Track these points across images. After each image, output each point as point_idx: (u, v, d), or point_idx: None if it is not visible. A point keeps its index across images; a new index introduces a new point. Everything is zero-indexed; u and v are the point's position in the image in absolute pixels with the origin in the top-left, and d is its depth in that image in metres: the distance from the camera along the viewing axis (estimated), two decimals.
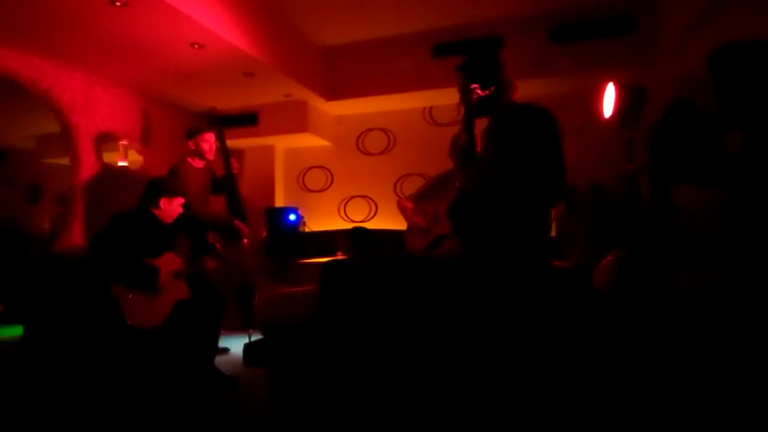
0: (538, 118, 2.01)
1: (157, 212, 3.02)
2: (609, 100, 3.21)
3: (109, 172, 4.57)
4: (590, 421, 1.86)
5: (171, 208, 3.05)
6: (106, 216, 3.03)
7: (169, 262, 2.99)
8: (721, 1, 2.98)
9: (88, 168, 4.37)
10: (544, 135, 1.99)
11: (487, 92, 2.08)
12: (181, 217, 3.13)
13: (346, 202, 5.86)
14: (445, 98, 5.25)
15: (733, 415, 1.66)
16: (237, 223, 3.80)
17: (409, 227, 3.21)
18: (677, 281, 1.94)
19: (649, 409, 1.79)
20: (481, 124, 2.32)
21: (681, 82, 3.77)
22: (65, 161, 4.68)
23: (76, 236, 4.22)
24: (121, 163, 4.80)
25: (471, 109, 2.12)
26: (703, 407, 1.71)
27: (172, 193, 3.04)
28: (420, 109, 5.57)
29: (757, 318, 1.66)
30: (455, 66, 2.21)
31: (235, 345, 4.15)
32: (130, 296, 2.82)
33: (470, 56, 2.20)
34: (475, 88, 2.08)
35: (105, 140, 4.59)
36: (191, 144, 3.66)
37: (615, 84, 3.21)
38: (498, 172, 2.00)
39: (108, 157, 4.64)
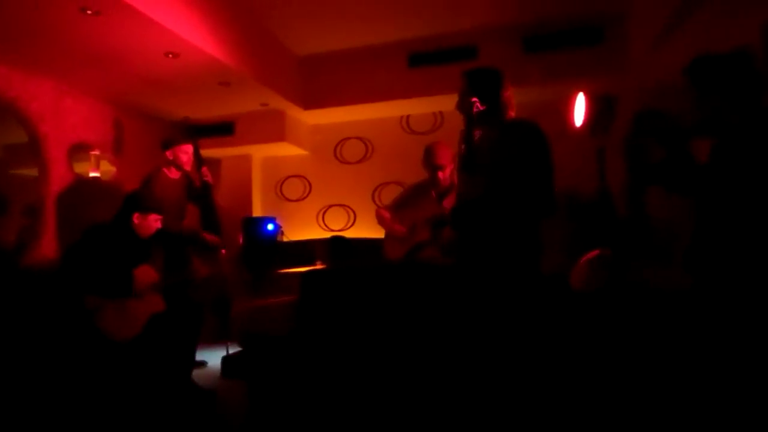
0: (537, 134, 2.14)
1: (133, 227, 2.99)
2: (580, 109, 3.28)
3: (81, 183, 4.47)
4: (574, 420, 1.88)
5: (146, 223, 3.01)
6: (78, 228, 2.97)
7: (144, 274, 2.94)
8: (687, 12, 3.09)
9: (57, 179, 4.27)
10: (541, 150, 2.11)
11: (484, 108, 2.18)
12: (156, 230, 3.08)
13: (325, 211, 5.84)
14: (422, 107, 5.31)
15: (713, 408, 1.69)
16: (206, 235, 3.69)
17: (387, 236, 3.22)
18: (654, 281, 1.99)
19: (635, 406, 1.82)
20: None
21: (650, 91, 3.88)
22: (33, 172, 4.55)
23: (46, 249, 4.10)
24: (92, 174, 4.69)
25: (470, 120, 2.22)
26: (687, 402, 1.75)
27: (145, 209, 3.00)
28: (397, 117, 5.61)
29: (733, 316, 1.71)
30: (462, 71, 2.29)
31: (212, 358, 4.09)
32: (104, 306, 2.76)
33: (478, 69, 2.30)
34: (475, 101, 2.18)
35: (76, 150, 4.49)
36: (169, 154, 3.60)
37: (585, 93, 3.29)
38: (497, 182, 2.09)
39: (79, 168, 4.54)
